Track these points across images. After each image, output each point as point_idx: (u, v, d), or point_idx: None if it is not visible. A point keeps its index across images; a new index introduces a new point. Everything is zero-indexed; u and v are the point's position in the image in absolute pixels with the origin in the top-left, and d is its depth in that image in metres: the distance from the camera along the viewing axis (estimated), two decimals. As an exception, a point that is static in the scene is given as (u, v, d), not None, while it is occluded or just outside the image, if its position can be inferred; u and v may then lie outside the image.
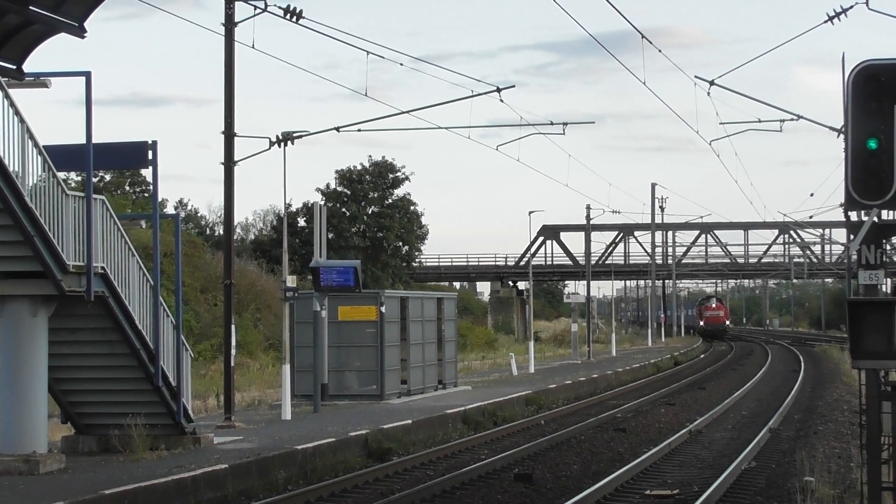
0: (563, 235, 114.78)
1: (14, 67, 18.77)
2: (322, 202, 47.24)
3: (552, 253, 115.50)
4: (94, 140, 21.40)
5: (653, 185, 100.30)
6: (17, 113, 19.70)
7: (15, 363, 20.47)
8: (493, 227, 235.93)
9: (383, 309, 34.95)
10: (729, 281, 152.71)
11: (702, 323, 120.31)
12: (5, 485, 18.75)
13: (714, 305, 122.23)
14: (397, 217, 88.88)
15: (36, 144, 20.07)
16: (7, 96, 19.52)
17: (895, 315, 13.97)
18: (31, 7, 17.28)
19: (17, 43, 18.37)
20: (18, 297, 20.39)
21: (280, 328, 33.81)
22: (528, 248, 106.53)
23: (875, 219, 14.58)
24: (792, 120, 33.23)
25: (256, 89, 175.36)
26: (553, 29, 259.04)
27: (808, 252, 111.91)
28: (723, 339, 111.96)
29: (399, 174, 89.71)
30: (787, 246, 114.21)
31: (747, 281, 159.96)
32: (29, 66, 19.07)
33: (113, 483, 18.35)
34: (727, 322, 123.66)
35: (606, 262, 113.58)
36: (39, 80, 20.68)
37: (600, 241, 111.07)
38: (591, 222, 74.47)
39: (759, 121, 34.60)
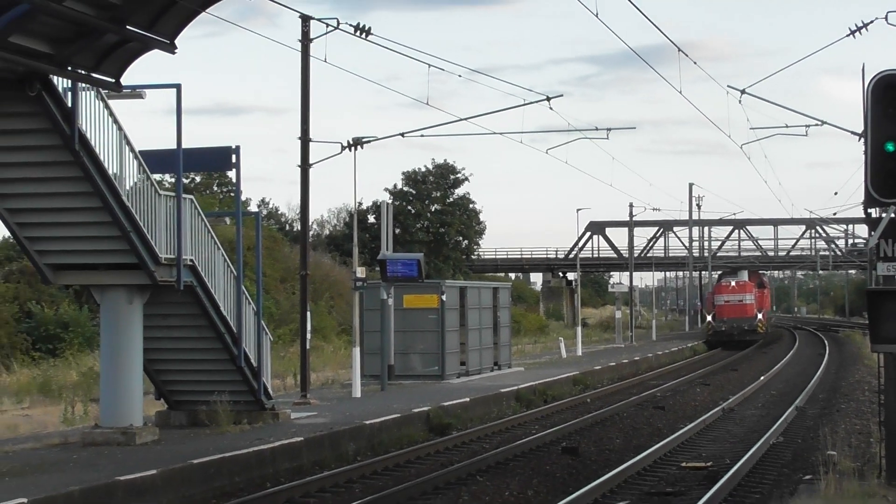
0: (609, 231, 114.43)
1: (113, 81, 18.97)
2: (389, 201, 47.32)
3: (598, 246, 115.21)
4: (184, 145, 21.58)
5: (690, 185, 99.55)
6: (115, 121, 19.86)
7: (114, 346, 20.69)
8: (545, 223, 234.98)
9: (444, 297, 34.97)
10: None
11: (710, 318, 67.09)
12: (105, 454, 18.99)
13: (734, 285, 66.80)
14: (458, 214, 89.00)
15: (132, 149, 20.24)
16: (107, 106, 19.70)
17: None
18: (127, 27, 17.46)
19: (115, 59, 18.55)
20: (117, 287, 20.59)
21: (351, 314, 33.90)
22: (577, 243, 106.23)
23: (893, 215, 14.46)
24: (816, 125, 32.75)
25: (328, 98, 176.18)
26: (593, 43, 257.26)
27: (833, 245, 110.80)
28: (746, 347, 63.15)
29: (459, 175, 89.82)
30: (813, 240, 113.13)
31: (777, 272, 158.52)
32: (125, 79, 19.26)
33: (200, 453, 18.51)
34: (759, 315, 66.77)
35: (648, 255, 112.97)
36: (135, 91, 20.84)
37: (642, 235, 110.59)
38: (634, 218, 74.23)
39: (787, 126, 34.21)
